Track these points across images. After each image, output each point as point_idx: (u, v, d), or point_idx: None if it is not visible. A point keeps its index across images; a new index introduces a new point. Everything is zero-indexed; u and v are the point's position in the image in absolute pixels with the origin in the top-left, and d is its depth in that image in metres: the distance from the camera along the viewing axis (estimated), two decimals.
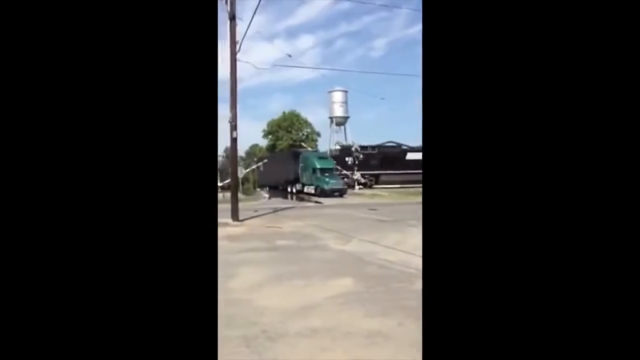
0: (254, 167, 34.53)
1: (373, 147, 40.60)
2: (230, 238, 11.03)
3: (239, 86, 14.78)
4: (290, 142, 54.08)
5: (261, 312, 4.90)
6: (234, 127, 14.63)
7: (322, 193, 28.17)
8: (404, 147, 41.15)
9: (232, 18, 14.10)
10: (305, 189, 30.33)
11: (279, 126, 59.23)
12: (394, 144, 41.56)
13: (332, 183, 29.11)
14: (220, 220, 14.13)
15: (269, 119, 62.48)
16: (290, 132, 58.55)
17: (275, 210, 18.42)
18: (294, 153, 34.23)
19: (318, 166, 29.94)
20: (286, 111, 60.89)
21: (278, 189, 31.31)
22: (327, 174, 29.70)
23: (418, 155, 39.26)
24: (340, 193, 28.74)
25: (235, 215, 14.51)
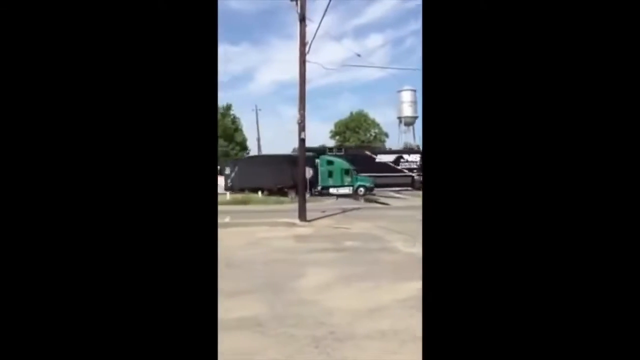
0: (227, 170, 34.27)
1: (339, 149, 40.33)
2: (298, 238, 11.18)
3: (308, 87, 14.95)
4: (358, 142, 54.03)
5: (329, 312, 4.93)
6: (302, 128, 14.80)
7: (368, 191, 30.47)
8: (375, 149, 40.79)
9: (302, 19, 14.27)
10: (334, 191, 31.31)
11: (347, 127, 59.31)
12: None
13: (371, 182, 31.52)
14: (287, 220, 14.38)
15: (337, 119, 62.77)
16: (357, 132, 58.52)
17: (344, 211, 18.47)
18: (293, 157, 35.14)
19: (352, 167, 31.74)
20: (354, 111, 60.97)
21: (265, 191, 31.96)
22: (357, 174, 31.71)
23: (387, 158, 38.46)
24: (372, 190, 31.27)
25: (302, 215, 14.67)
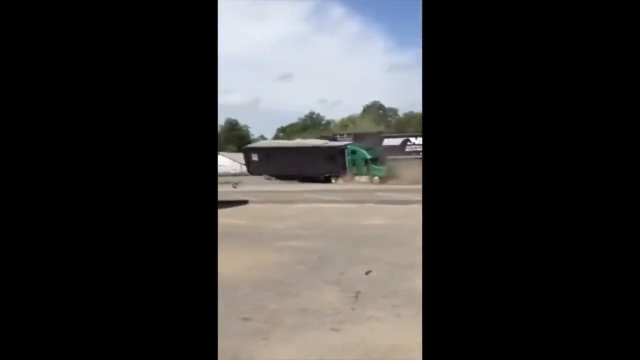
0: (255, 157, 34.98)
1: (348, 135, 39.94)
2: None
3: None
4: None
5: None
6: None
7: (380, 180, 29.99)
8: (381, 135, 39.72)
9: None
10: (358, 178, 31.49)
11: None
12: None
13: (384, 171, 31.07)
14: None
15: None
16: None
17: None
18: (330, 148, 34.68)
19: (371, 157, 32.01)
20: None
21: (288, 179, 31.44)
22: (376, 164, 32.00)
23: (393, 141, 37.04)
24: None
25: None
